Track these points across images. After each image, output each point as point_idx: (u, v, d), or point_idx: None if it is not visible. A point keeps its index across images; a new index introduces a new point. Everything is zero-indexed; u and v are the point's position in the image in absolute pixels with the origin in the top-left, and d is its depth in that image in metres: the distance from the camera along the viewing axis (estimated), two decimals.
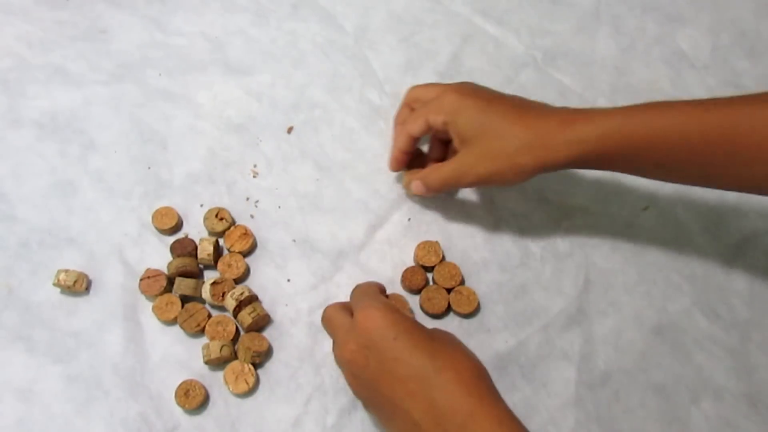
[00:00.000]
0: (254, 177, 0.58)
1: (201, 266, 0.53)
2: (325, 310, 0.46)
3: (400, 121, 0.55)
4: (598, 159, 0.46)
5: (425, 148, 0.58)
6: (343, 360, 0.42)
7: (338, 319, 0.44)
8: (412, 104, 0.55)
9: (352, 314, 0.43)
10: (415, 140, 0.53)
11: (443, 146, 0.56)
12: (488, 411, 0.38)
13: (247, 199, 0.57)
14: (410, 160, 0.56)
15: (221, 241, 0.54)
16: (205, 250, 0.52)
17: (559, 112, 0.47)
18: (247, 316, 0.49)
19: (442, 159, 0.55)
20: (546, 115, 0.47)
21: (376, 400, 0.42)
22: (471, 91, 0.50)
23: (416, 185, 0.53)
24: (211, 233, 0.54)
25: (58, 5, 0.64)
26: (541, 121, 0.47)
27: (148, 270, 0.52)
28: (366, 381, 0.41)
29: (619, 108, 0.46)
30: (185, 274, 0.51)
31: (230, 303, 0.50)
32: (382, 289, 0.50)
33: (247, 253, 0.54)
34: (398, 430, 0.41)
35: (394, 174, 0.58)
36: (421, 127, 0.51)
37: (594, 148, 0.45)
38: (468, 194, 0.58)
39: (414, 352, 0.39)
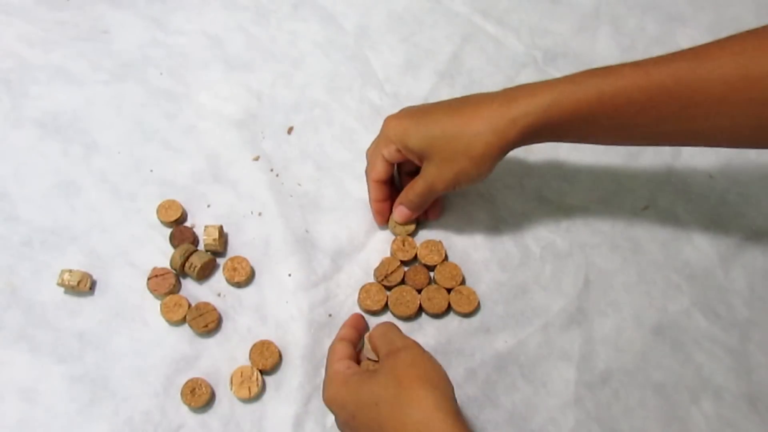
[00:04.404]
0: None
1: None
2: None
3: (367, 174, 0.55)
4: (549, 130, 0.46)
5: None
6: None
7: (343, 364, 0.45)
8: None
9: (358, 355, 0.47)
10: (386, 185, 0.54)
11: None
12: None
13: (249, 198, 0.57)
14: (391, 206, 0.55)
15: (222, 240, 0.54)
16: (211, 236, 0.52)
17: (499, 95, 0.47)
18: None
19: None
20: (486, 101, 0.47)
21: None
22: (406, 111, 0.52)
23: (399, 211, 0.54)
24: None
25: (59, 5, 0.64)
26: (483, 109, 0.47)
27: (155, 269, 0.52)
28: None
29: (562, 78, 0.46)
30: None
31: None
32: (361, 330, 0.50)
33: (245, 284, 0.53)
34: None
35: None
36: (382, 166, 0.52)
37: (542, 120, 0.45)
38: (468, 194, 0.59)
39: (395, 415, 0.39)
